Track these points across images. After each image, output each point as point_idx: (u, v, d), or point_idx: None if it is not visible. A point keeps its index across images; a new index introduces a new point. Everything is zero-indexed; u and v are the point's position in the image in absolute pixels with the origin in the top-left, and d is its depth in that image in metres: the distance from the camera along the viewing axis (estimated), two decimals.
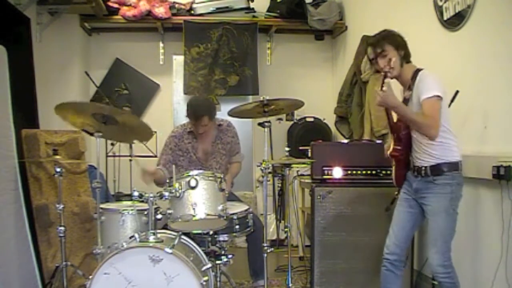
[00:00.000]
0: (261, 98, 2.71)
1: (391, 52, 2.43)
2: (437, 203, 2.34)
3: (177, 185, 2.36)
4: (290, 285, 2.85)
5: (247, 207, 2.87)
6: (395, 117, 2.52)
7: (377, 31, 2.58)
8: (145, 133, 2.72)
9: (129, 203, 2.69)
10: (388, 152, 2.58)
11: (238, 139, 3.37)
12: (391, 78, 2.48)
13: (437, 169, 2.33)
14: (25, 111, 3.35)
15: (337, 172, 3.25)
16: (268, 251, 2.72)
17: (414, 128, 2.41)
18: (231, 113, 2.89)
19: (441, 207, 2.32)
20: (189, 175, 2.41)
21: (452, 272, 2.32)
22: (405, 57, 2.46)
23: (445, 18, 3.07)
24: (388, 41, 2.44)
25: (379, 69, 2.50)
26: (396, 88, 2.54)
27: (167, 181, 2.47)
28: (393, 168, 2.61)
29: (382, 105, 2.40)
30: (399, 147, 2.51)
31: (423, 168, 2.38)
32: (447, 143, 2.35)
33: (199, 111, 3.09)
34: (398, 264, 2.50)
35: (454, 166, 2.34)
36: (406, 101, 2.46)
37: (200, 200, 2.38)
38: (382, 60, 2.44)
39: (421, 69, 2.44)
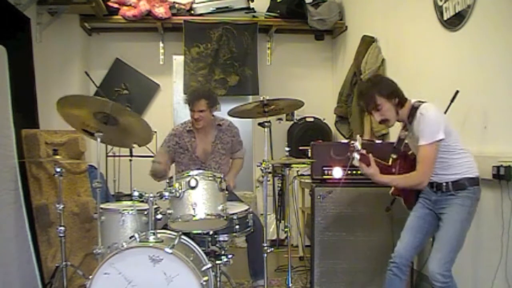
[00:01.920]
0: (261, 98, 2.71)
1: (384, 104, 2.36)
2: (455, 213, 2.31)
3: (177, 185, 2.36)
4: (290, 285, 2.85)
5: (247, 207, 2.87)
6: (390, 160, 2.54)
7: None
8: (145, 136, 2.70)
9: (129, 203, 2.69)
10: (390, 192, 2.61)
11: (239, 137, 3.38)
12: (389, 127, 2.50)
13: (459, 185, 2.31)
14: (25, 111, 3.35)
15: (337, 172, 3.25)
16: (268, 251, 2.72)
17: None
18: (231, 113, 2.89)
19: (458, 217, 2.30)
20: (189, 175, 2.40)
21: (450, 282, 2.26)
22: (399, 104, 2.39)
23: (445, 18, 3.07)
24: (378, 92, 2.36)
25: (376, 120, 2.46)
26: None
27: (167, 179, 2.47)
28: (402, 200, 2.59)
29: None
30: (394, 163, 2.52)
31: (444, 184, 2.35)
32: (467, 161, 2.34)
33: (197, 94, 3.13)
34: (405, 268, 2.47)
35: (475, 181, 2.33)
36: (401, 141, 2.47)
37: (200, 200, 2.38)
38: (377, 113, 2.39)
39: (417, 106, 2.36)
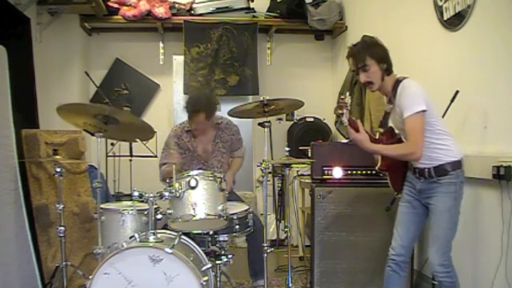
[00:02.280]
0: (261, 98, 2.71)
1: (372, 66, 2.37)
2: (442, 202, 2.32)
3: (177, 185, 2.36)
4: (290, 285, 2.85)
5: (247, 207, 2.87)
6: (377, 134, 2.53)
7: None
8: (146, 132, 2.72)
9: (129, 203, 2.69)
10: (377, 167, 2.58)
11: (239, 135, 3.37)
12: (372, 91, 2.47)
13: (441, 170, 2.31)
14: (25, 111, 3.35)
15: (337, 172, 3.25)
16: (268, 251, 2.72)
17: (397, 158, 2.41)
18: (231, 113, 2.89)
19: (445, 206, 2.31)
20: (189, 175, 2.41)
21: (452, 271, 2.31)
22: (387, 70, 2.40)
23: (445, 18, 3.07)
24: (370, 54, 2.37)
25: (360, 81, 2.46)
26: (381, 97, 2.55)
27: (167, 180, 2.47)
28: (388, 177, 2.60)
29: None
30: (385, 161, 2.50)
31: (426, 170, 2.35)
32: (445, 144, 2.34)
33: (196, 105, 3.07)
34: (403, 265, 2.49)
35: (457, 165, 2.33)
36: (388, 114, 2.45)
37: (200, 200, 2.38)
38: (363, 74, 2.39)
39: (402, 79, 2.38)
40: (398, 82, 2.37)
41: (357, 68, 2.41)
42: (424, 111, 2.25)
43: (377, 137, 2.52)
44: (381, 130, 2.52)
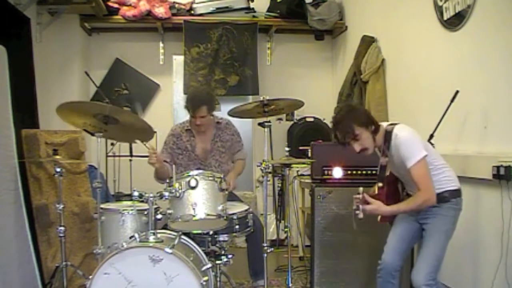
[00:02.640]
0: (261, 98, 2.71)
1: (363, 133, 2.33)
2: (441, 223, 2.32)
3: (177, 185, 2.36)
4: (290, 285, 2.85)
5: (247, 207, 2.86)
6: (376, 189, 2.47)
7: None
8: (147, 133, 2.71)
9: (129, 203, 2.69)
10: (379, 220, 2.48)
11: (238, 137, 3.36)
12: (368, 154, 2.43)
13: (442, 198, 2.32)
14: (25, 111, 3.35)
15: (337, 172, 3.25)
16: (268, 251, 2.72)
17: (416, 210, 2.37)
18: (231, 113, 2.89)
19: (443, 227, 2.32)
20: (189, 175, 2.41)
21: None
22: (375, 130, 2.37)
23: (445, 18, 3.07)
24: (356, 122, 2.32)
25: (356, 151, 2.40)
26: None
27: (167, 180, 2.47)
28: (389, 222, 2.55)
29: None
30: (381, 190, 2.46)
31: None
32: (446, 175, 2.35)
33: (198, 101, 3.08)
34: (395, 273, 2.47)
35: (457, 193, 2.36)
36: (384, 167, 2.43)
37: (200, 200, 2.38)
38: (356, 143, 2.35)
39: (391, 130, 2.35)
40: (388, 133, 2.36)
41: (348, 141, 2.36)
42: (425, 156, 2.26)
43: (376, 192, 2.46)
44: (380, 184, 2.46)
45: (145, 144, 2.75)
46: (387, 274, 2.46)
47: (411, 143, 2.29)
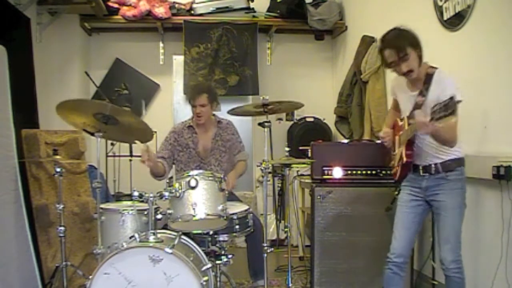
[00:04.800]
0: (261, 98, 2.72)
1: (412, 54, 2.32)
2: (452, 199, 2.34)
3: (177, 185, 2.36)
4: (290, 285, 2.86)
5: (247, 207, 2.86)
6: (405, 124, 2.43)
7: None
8: (146, 134, 2.71)
9: (129, 203, 2.69)
10: (404, 161, 2.41)
11: (239, 137, 3.37)
12: (411, 79, 2.40)
13: (448, 166, 2.34)
14: (25, 111, 3.35)
15: (337, 172, 3.25)
16: (268, 251, 2.72)
17: (437, 140, 2.31)
18: (231, 113, 2.90)
19: (456, 203, 2.34)
20: (189, 175, 2.41)
21: (462, 267, 2.33)
22: (420, 57, 2.36)
23: (445, 18, 3.07)
24: (409, 42, 2.32)
25: (398, 73, 2.38)
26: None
27: (167, 180, 2.47)
28: (399, 169, 2.49)
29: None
30: (410, 152, 2.41)
31: (433, 165, 2.37)
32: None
33: (199, 88, 3.17)
34: (404, 266, 2.49)
35: (462, 162, 2.38)
36: (418, 106, 2.38)
37: (200, 200, 2.38)
38: (404, 63, 2.32)
39: (432, 72, 2.36)
40: (429, 75, 2.35)
41: (398, 59, 2.33)
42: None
43: (406, 127, 2.42)
44: (412, 121, 2.36)
45: (138, 143, 2.76)
46: (397, 267, 2.47)
47: (455, 82, 2.27)
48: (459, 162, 2.36)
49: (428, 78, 2.37)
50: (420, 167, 2.42)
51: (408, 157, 2.42)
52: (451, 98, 1.95)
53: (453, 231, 2.34)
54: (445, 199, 2.35)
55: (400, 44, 2.32)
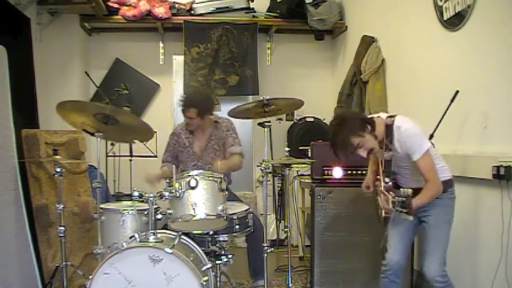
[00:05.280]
0: (261, 98, 2.71)
1: (362, 139, 2.29)
2: (441, 215, 2.36)
3: (177, 185, 2.36)
4: (290, 285, 2.86)
5: (247, 207, 2.87)
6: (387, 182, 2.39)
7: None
8: (146, 133, 2.72)
9: (129, 203, 2.69)
10: (382, 187, 2.34)
11: (233, 133, 3.30)
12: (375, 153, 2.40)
13: None
14: (25, 111, 3.35)
15: (337, 172, 3.25)
16: (268, 251, 2.72)
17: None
18: (231, 113, 2.89)
19: (444, 219, 2.36)
20: (189, 175, 2.41)
21: (449, 280, 2.34)
22: (373, 129, 2.32)
23: (445, 18, 3.07)
24: (352, 133, 2.27)
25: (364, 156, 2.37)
26: None
27: (167, 181, 2.47)
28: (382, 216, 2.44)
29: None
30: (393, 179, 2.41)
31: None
32: (441, 165, 2.37)
33: (188, 101, 3.16)
34: (399, 273, 2.50)
35: (451, 183, 2.40)
36: (389, 162, 2.39)
37: (200, 200, 2.38)
38: (361, 150, 2.32)
39: (390, 123, 2.32)
40: (389, 127, 2.33)
41: (355, 150, 2.32)
42: (430, 147, 2.29)
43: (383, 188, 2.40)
44: (387, 180, 2.37)
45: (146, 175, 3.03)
46: (393, 274, 2.48)
47: (416, 135, 2.28)
48: (449, 183, 2.38)
49: (388, 131, 2.33)
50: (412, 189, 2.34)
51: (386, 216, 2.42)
52: (407, 197, 2.04)
53: (439, 246, 2.35)
54: (435, 215, 2.38)
55: (346, 143, 2.29)
